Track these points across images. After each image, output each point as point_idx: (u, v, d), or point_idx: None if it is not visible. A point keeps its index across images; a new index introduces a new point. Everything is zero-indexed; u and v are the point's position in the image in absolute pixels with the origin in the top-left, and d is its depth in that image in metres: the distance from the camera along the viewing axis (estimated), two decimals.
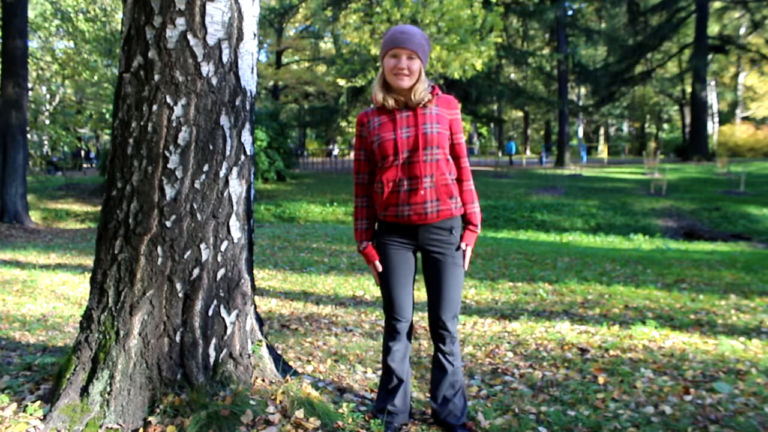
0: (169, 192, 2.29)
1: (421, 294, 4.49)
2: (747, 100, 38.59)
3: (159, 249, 2.30)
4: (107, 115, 23.42)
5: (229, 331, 2.42)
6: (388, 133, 2.29)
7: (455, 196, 2.35)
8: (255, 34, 2.48)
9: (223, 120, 2.36)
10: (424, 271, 2.44)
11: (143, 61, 2.29)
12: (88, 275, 6.01)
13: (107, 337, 2.32)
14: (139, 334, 2.30)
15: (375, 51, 19.40)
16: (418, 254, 2.46)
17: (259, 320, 2.68)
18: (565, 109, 29.01)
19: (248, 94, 2.47)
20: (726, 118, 40.26)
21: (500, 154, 33.89)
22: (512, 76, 38.90)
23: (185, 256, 2.32)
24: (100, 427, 2.22)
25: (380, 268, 2.43)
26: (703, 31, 27.98)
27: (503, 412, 2.71)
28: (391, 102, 2.30)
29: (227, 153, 2.38)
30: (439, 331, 2.44)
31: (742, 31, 34.27)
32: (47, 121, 20.75)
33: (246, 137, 2.46)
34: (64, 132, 21.27)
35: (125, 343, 2.30)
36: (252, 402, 2.31)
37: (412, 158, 2.27)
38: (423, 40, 2.27)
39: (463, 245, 2.40)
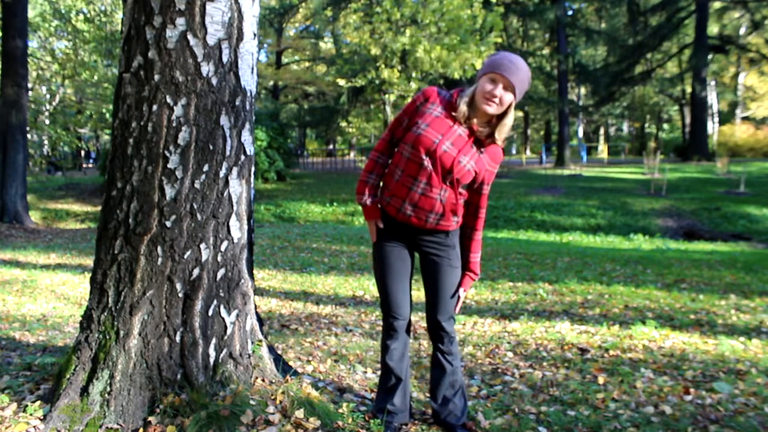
0: (169, 192, 2.29)
1: (420, 294, 4.49)
2: (747, 100, 38.57)
3: (159, 249, 2.30)
4: (107, 115, 23.41)
5: (229, 331, 2.42)
6: (434, 133, 2.23)
7: (458, 216, 2.35)
8: (255, 34, 2.48)
9: (223, 120, 2.36)
10: (422, 273, 2.45)
11: (143, 61, 2.28)
12: (88, 275, 6.01)
13: (107, 337, 2.32)
14: (139, 334, 2.30)
15: (375, 51, 19.40)
16: (416, 254, 2.46)
17: (259, 320, 2.68)
18: (565, 109, 29.00)
19: (248, 94, 2.47)
20: (726, 118, 40.25)
21: None
22: None
23: (185, 256, 2.31)
24: (100, 427, 2.22)
25: (381, 225, 2.39)
26: (703, 31, 27.97)
27: (503, 412, 2.71)
28: (465, 115, 2.24)
29: (227, 153, 2.37)
30: (436, 331, 2.44)
31: (742, 31, 34.26)
32: (47, 121, 20.74)
33: (246, 137, 2.46)
34: (64, 132, 21.27)
35: (125, 343, 2.30)
36: (252, 402, 2.31)
37: (438, 172, 2.23)
38: (526, 78, 2.21)
39: (461, 291, 2.42)
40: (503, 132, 2.26)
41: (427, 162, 2.23)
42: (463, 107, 2.24)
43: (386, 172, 2.38)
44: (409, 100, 2.51)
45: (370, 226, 2.44)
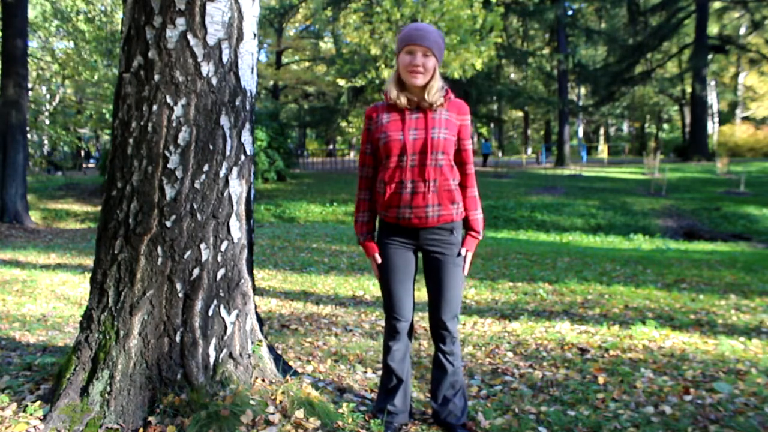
0: (169, 192, 2.29)
1: (421, 294, 4.49)
2: (747, 100, 38.58)
3: (159, 249, 2.30)
4: (107, 115, 23.41)
5: (229, 331, 2.42)
6: (395, 133, 2.28)
7: (457, 202, 2.34)
8: (255, 34, 2.48)
9: (223, 120, 2.36)
10: (425, 271, 2.44)
11: (143, 61, 2.28)
12: (88, 275, 6.01)
13: (107, 337, 2.32)
14: (139, 334, 2.30)
15: (375, 51, 19.40)
16: (419, 254, 2.46)
17: (259, 320, 2.68)
18: (565, 109, 29.01)
19: (248, 94, 2.47)
20: (726, 118, 40.25)
21: (500, 154, 33.89)
22: (512, 76, 38.91)
23: (185, 256, 2.31)
24: (100, 427, 2.22)
25: (379, 261, 2.42)
26: (703, 31, 27.98)
27: (503, 412, 2.71)
28: (403, 100, 2.29)
29: (227, 153, 2.37)
30: (439, 331, 2.44)
31: (742, 31, 34.27)
32: (47, 121, 20.75)
33: (246, 137, 2.46)
34: (64, 132, 21.27)
35: (125, 343, 2.30)
36: (252, 402, 2.31)
37: (418, 161, 2.25)
38: (439, 38, 2.25)
39: (463, 250, 2.40)
40: (431, 93, 2.27)
41: (406, 159, 2.25)
42: (393, 91, 2.30)
43: (375, 195, 2.41)
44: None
45: (371, 261, 2.48)
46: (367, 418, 2.50)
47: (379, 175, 2.36)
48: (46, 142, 22.85)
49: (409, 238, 2.38)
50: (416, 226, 2.33)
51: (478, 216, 2.43)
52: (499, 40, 21.45)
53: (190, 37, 2.26)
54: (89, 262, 7.17)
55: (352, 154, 39.93)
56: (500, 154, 34.77)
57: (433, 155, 2.25)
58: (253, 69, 2.49)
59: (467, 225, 2.43)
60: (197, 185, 2.32)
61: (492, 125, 40.18)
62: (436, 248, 2.37)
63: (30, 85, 17.71)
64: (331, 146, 44.28)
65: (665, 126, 48.73)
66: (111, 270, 2.35)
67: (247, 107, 2.47)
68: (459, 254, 2.38)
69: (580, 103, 37.42)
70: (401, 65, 2.26)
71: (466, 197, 2.41)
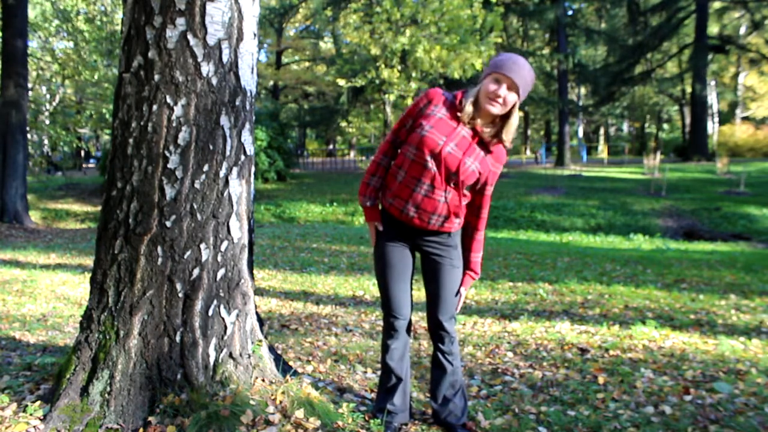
0: (169, 192, 2.29)
1: (421, 294, 4.49)
2: (747, 100, 38.57)
3: (159, 249, 2.30)
4: (107, 115, 23.40)
5: (229, 331, 2.42)
6: (438, 134, 2.23)
7: (460, 217, 2.35)
8: (255, 34, 2.48)
9: (223, 120, 2.36)
10: (423, 272, 2.45)
11: (143, 61, 2.28)
12: (88, 275, 6.01)
13: (107, 337, 2.32)
14: (139, 334, 2.30)
15: (375, 51, 19.41)
16: (417, 254, 2.46)
17: (259, 320, 2.68)
18: (565, 108, 29.00)
19: (248, 94, 2.47)
20: (726, 118, 40.25)
21: None
22: None
23: (185, 256, 2.32)
24: (100, 427, 2.22)
25: (380, 228, 2.41)
26: (703, 31, 27.97)
27: (503, 412, 2.71)
28: (470, 116, 2.24)
29: (227, 153, 2.37)
30: (437, 331, 2.44)
31: (742, 31, 34.26)
32: (47, 121, 20.74)
33: (246, 137, 2.46)
34: (64, 132, 21.26)
35: (125, 343, 2.30)
36: (252, 402, 2.31)
37: (442, 173, 2.23)
38: (529, 77, 2.19)
39: (462, 289, 2.42)
40: (509, 132, 2.25)
41: (431, 163, 2.22)
42: (468, 107, 2.23)
43: (389, 173, 2.38)
44: (410, 100, 2.52)
45: (370, 227, 2.46)
46: (367, 418, 2.50)
47: (399, 158, 2.32)
48: (46, 142, 22.85)
49: (407, 236, 2.38)
50: (416, 227, 2.33)
51: (479, 258, 2.46)
52: (499, 40, 21.47)
53: (190, 37, 2.26)
54: (89, 262, 7.17)
55: (352, 154, 39.92)
56: None
57: (454, 177, 2.24)
58: (253, 69, 2.49)
59: (467, 265, 2.44)
60: (197, 185, 2.32)
61: None
62: (433, 250, 2.37)
63: (30, 85, 17.70)
64: (331, 146, 44.27)
65: (665, 126, 48.73)
66: (111, 270, 2.35)
67: (247, 107, 2.47)
68: (456, 257, 2.39)
69: (580, 103, 37.40)
70: (484, 90, 2.20)
71: (474, 239, 2.41)
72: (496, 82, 2.18)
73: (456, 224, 2.34)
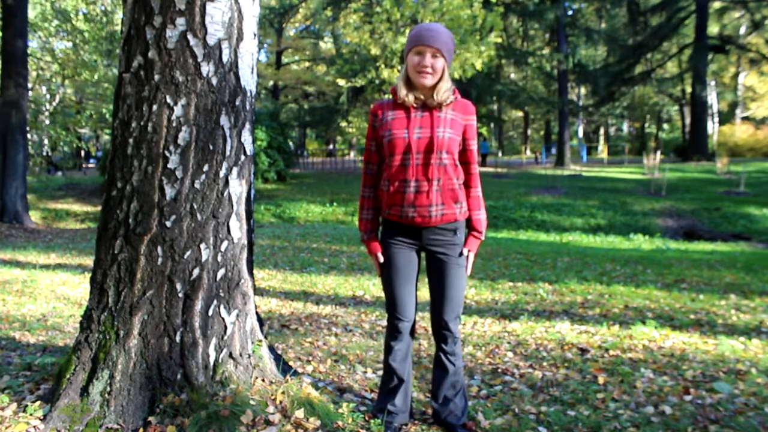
0: (169, 192, 2.29)
1: (422, 294, 4.49)
2: (747, 100, 38.58)
3: (159, 249, 2.30)
4: (107, 115, 23.41)
5: (229, 331, 2.42)
6: (400, 131, 2.28)
7: (461, 201, 2.34)
8: (255, 34, 2.48)
9: (223, 120, 2.36)
10: (428, 271, 2.44)
11: (143, 61, 2.28)
12: (88, 275, 6.01)
13: (107, 337, 2.32)
14: (139, 334, 2.30)
15: (375, 51, 19.41)
16: (422, 254, 2.46)
17: (259, 320, 2.68)
18: (565, 109, 29.01)
19: (248, 94, 2.47)
20: (726, 118, 40.26)
21: (500, 154, 33.87)
22: (512, 76, 38.90)
23: (185, 256, 2.31)
24: (100, 427, 2.22)
25: (381, 260, 2.43)
26: (703, 31, 27.98)
27: (503, 412, 2.71)
28: (411, 99, 2.29)
29: (227, 153, 2.37)
30: (441, 331, 2.44)
31: (742, 31, 34.27)
32: (47, 121, 20.73)
33: (246, 137, 2.46)
34: (64, 132, 21.26)
35: (125, 343, 2.30)
36: (252, 402, 2.31)
37: (422, 160, 2.25)
38: (449, 39, 2.25)
39: (465, 251, 2.40)
40: (440, 93, 2.27)
41: (410, 158, 2.25)
42: (402, 90, 2.29)
43: (378, 191, 2.41)
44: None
45: (373, 259, 2.48)
46: (367, 418, 2.50)
47: (383, 173, 2.36)
48: (46, 142, 22.83)
49: (411, 237, 2.38)
50: (419, 226, 2.33)
51: (480, 216, 2.43)
52: (499, 40, 21.46)
53: (190, 37, 2.26)
54: (89, 262, 7.17)
55: (352, 154, 39.94)
56: (500, 153, 34.76)
57: (437, 154, 2.24)
58: (253, 69, 2.49)
59: (469, 225, 2.43)
60: (197, 185, 2.32)
61: (492, 125, 40.18)
62: (439, 248, 2.37)
63: (30, 85, 17.69)
64: (331, 146, 44.27)
65: (665, 126, 48.74)
66: (111, 270, 2.35)
67: (247, 107, 2.47)
68: (461, 254, 2.38)
69: (580, 103, 37.41)
70: (410, 65, 2.26)
71: (470, 197, 2.41)
72: (419, 54, 2.23)
73: (458, 211, 2.33)
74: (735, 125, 35.23)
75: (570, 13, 31.66)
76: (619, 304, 4.90)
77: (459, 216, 2.35)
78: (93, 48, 18.56)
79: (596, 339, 3.87)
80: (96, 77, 19.47)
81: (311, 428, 2.29)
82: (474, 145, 2.39)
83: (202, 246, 2.34)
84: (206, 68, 2.30)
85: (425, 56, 2.22)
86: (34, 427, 2.21)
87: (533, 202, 17.83)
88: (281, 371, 2.62)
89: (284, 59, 38.06)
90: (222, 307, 2.40)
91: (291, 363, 3.13)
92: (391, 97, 2.38)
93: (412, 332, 2.51)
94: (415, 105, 2.30)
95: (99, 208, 11.17)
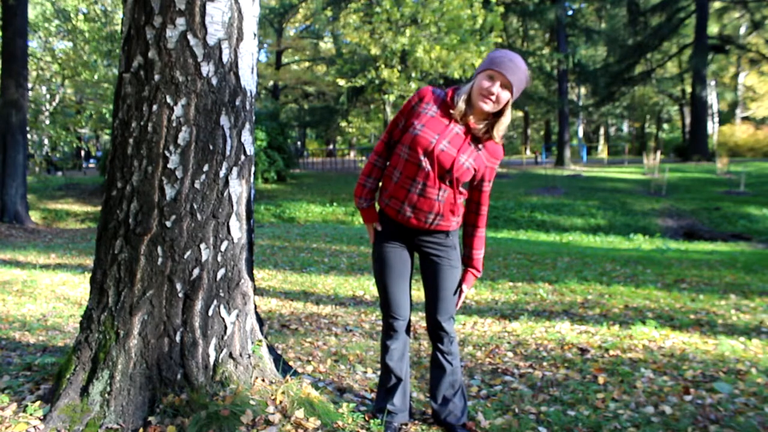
0: (169, 192, 2.29)
1: (420, 294, 4.49)
2: (747, 100, 38.57)
3: (159, 249, 2.30)
4: (107, 115, 23.41)
5: (229, 331, 2.42)
6: (431, 133, 2.23)
7: (458, 216, 2.35)
8: (255, 34, 2.48)
9: (223, 120, 2.36)
10: (422, 272, 2.44)
11: (143, 61, 2.28)
12: (88, 275, 6.01)
13: (107, 337, 2.32)
14: (139, 334, 2.30)
15: (375, 51, 19.40)
16: (416, 254, 2.46)
17: (259, 320, 2.68)
18: (565, 108, 29.00)
19: (248, 94, 2.47)
20: (726, 118, 40.24)
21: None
22: None
23: (185, 256, 2.31)
24: (100, 427, 2.22)
25: (379, 228, 2.41)
26: (703, 31, 27.96)
27: (503, 412, 2.71)
28: (462, 113, 2.23)
29: (227, 153, 2.37)
30: (436, 331, 2.44)
31: (742, 31, 34.26)
32: (47, 121, 20.73)
33: (246, 137, 2.46)
34: (64, 132, 21.25)
35: (125, 343, 2.30)
36: (252, 402, 2.31)
37: (436, 171, 2.23)
38: (524, 77, 2.20)
39: (464, 287, 2.42)
40: (500, 130, 2.25)
41: (425, 162, 2.22)
42: (461, 104, 2.23)
43: (385, 174, 2.39)
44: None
45: (368, 228, 2.46)
46: (367, 418, 2.50)
47: (394, 158, 2.32)
48: (46, 142, 22.83)
49: (405, 237, 2.38)
50: (413, 227, 2.33)
51: (480, 255, 2.44)
52: (499, 40, 21.46)
53: (190, 37, 2.26)
54: (89, 262, 7.17)
55: (352, 154, 39.92)
56: None
57: (449, 175, 2.23)
58: (253, 69, 2.49)
59: (469, 263, 2.43)
60: (197, 185, 2.32)
61: None
62: (431, 250, 2.37)
63: (30, 85, 17.70)
64: (331, 146, 44.26)
65: (665, 126, 48.73)
66: (111, 270, 2.35)
67: (247, 107, 2.47)
68: (455, 257, 2.39)
69: (580, 103, 37.40)
70: (477, 86, 2.19)
71: (475, 237, 2.41)
72: (490, 79, 2.17)
73: (453, 223, 2.34)
74: (735, 125, 35.22)
75: (570, 13, 31.65)
76: (619, 304, 4.90)
77: (452, 227, 2.35)
78: (93, 48, 18.55)
79: (596, 339, 3.87)
80: (96, 77, 19.46)
81: (311, 428, 2.29)
82: (489, 187, 2.37)
83: (202, 246, 2.34)
84: (206, 68, 2.30)
85: (495, 83, 2.16)
86: (34, 427, 2.21)
87: (533, 202, 17.83)
88: (281, 371, 2.62)
89: (284, 59, 38.05)
90: (222, 307, 2.40)
91: (291, 363, 3.13)
92: (444, 93, 2.31)
93: (408, 331, 2.51)
94: (460, 120, 2.25)
95: (99, 208, 11.17)
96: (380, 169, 2.41)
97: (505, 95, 2.18)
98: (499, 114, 2.24)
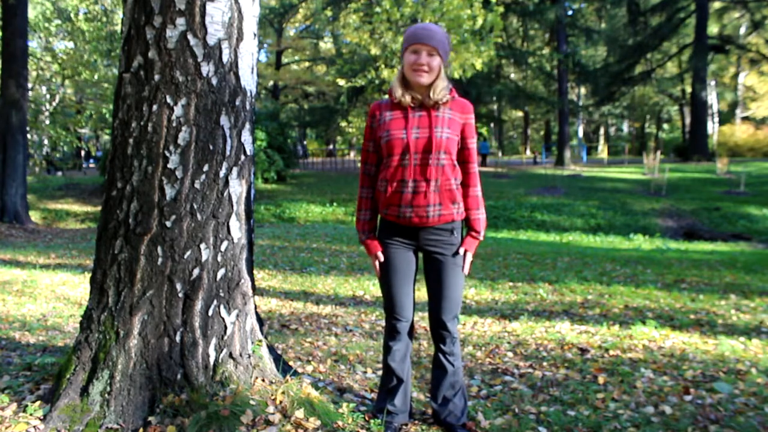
0: (169, 192, 2.29)
1: (421, 294, 4.49)
2: (747, 100, 38.58)
3: (159, 249, 2.30)
4: (107, 115, 23.41)
5: (229, 331, 2.42)
6: (398, 131, 2.28)
7: (458, 202, 2.34)
8: (255, 34, 2.48)
9: (223, 120, 2.36)
10: (425, 271, 2.44)
11: (143, 61, 2.28)
12: (88, 275, 6.01)
13: (107, 337, 2.32)
14: (139, 334, 2.30)
15: (375, 51, 19.40)
16: (420, 254, 2.46)
17: (259, 320, 2.68)
18: (565, 109, 29.00)
19: (248, 94, 2.47)
20: (726, 118, 40.25)
21: (500, 154, 33.86)
22: (512, 76, 38.90)
23: (185, 256, 2.31)
24: (100, 427, 2.22)
25: (381, 259, 2.42)
26: (703, 31, 27.98)
27: (503, 412, 2.71)
28: (408, 98, 2.29)
29: (227, 153, 2.37)
30: (439, 331, 2.44)
31: (742, 31, 34.26)
32: (47, 121, 20.73)
33: (246, 137, 2.46)
34: (64, 132, 21.26)
35: (125, 343, 2.30)
36: (252, 402, 2.31)
37: (420, 161, 2.25)
38: (444, 38, 2.26)
39: (462, 250, 2.39)
40: (436, 92, 2.27)
41: (408, 158, 2.25)
42: (398, 90, 2.30)
43: (375, 192, 2.41)
44: None
45: (372, 259, 2.48)
46: (367, 418, 2.50)
47: (380, 174, 2.35)
48: (46, 142, 22.84)
49: (409, 237, 2.38)
50: (416, 226, 2.33)
51: (479, 216, 2.41)
52: (499, 40, 21.46)
53: (190, 37, 2.26)
54: (89, 262, 7.17)
55: (352, 154, 39.93)
56: (500, 154, 34.75)
57: (435, 154, 2.24)
58: (253, 69, 2.49)
59: (468, 224, 2.42)
60: (197, 185, 2.32)
61: (492, 125, 40.18)
62: (436, 248, 2.37)
63: (30, 85, 17.69)
64: (331, 146, 44.27)
65: (665, 126, 48.73)
66: (111, 270, 2.35)
67: (247, 107, 2.47)
68: (457, 253, 2.37)
69: (580, 103, 37.41)
70: (406, 64, 2.26)
71: (469, 196, 2.40)
72: (414, 53, 2.24)
73: (455, 211, 2.33)
74: (735, 125, 35.23)
75: (570, 13, 31.64)
76: (619, 304, 4.90)
77: (456, 216, 2.34)
78: (93, 48, 18.56)
79: (596, 339, 3.87)
80: (96, 77, 19.47)
81: (311, 428, 2.29)
82: (473, 143, 2.38)
83: (202, 246, 2.34)
84: (206, 68, 2.30)
85: (421, 54, 2.22)
86: (34, 427, 2.21)
87: (533, 202, 17.82)
88: (281, 371, 2.62)
89: (284, 59, 38.05)
90: (222, 307, 2.40)
91: (291, 363, 3.13)
92: (388, 97, 2.38)
93: (411, 332, 2.51)
94: (412, 105, 2.29)
95: (99, 208, 11.17)
96: (371, 199, 2.45)
97: (435, 61, 2.24)
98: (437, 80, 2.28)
